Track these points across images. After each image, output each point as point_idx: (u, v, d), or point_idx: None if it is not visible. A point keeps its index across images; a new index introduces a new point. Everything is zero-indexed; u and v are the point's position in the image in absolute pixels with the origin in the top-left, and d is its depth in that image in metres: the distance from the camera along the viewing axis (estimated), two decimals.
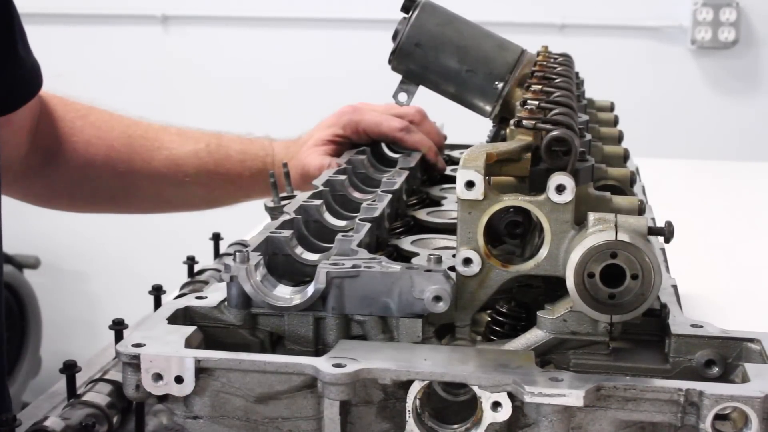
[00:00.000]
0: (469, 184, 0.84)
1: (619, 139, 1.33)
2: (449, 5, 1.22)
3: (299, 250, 0.99)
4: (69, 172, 1.49)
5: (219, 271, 1.27)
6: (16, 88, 1.32)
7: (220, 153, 1.53)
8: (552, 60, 1.21)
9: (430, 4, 1.21)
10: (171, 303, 0.91)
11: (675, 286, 0.98)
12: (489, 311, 0.97)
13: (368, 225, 1.00)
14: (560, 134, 0.86)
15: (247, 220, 1.69)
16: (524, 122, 0.92)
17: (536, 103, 0.98)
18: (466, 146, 1.29)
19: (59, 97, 1.48)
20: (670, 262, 1.13)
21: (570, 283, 0.81)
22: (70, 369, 0.97)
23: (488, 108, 1.21)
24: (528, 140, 0.91)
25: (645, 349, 0.88)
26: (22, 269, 3.78)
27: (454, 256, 0.87)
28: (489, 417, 0.77)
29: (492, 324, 0.96)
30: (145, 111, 1.67)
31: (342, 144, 1.41)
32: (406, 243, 1.07)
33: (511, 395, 0.76)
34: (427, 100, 1.30)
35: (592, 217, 0.83)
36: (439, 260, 0.86)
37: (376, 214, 1.04)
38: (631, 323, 0.85)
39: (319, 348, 0.87)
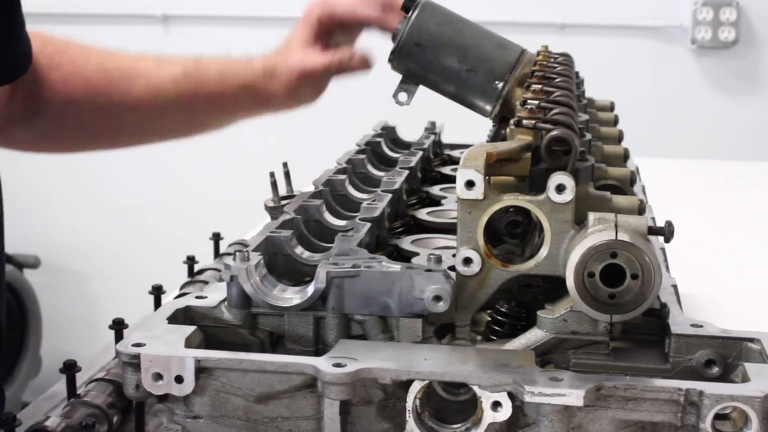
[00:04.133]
0: (469, 184, 0.84)
1: (619, 138, 1.33)
2: (449, 5, 1.22)
3: (299, 249, 0.99)
4: (50, 113, 1.44)
5: (219, 271, 1.27)
6: (18, 59, 1.31)
7: (198, 75, 1.48)
8: (552, 60, 1.21)
9: (430, 4, 1.21)
10: (171, 303, 0.91)
11: (675, 286, 0.98)
12: (489, 311, 0.97)
13: (368, 225, 1.00)
14: (560, 134, 0.86)
15: (247, 220, 1.70)
16: (524, 122, 0.92)
17: (536, 102, 0.98)
18: (466, 146, 1.29)
19: (37, 33, 1.44)
20: (670, 262, 1.13)
21: (570, 282, 0.81)
22: (70, 369, 0.97)
23: (488, 108, 1.21)
24: (528, 140, 0.91)
25: (645, 349, 0.88)
26: (22, 269, 3.78)
27: (454, 255, 0.87)
28: (489, 417, 0.77)
29: (492, 324, 0.96)
30: None
31: (326, 38, 1.37)
32: (406, 243, 1.07)
33: (511, 395, 0.76)
34: (427, 100, 1.29)
35: (592, 216, 0.83)
36: (439, 260, 0.86)
37: (376, 213, 1.04)
38: (631, 323, 0.85)
39: (319, 348, 0.87)
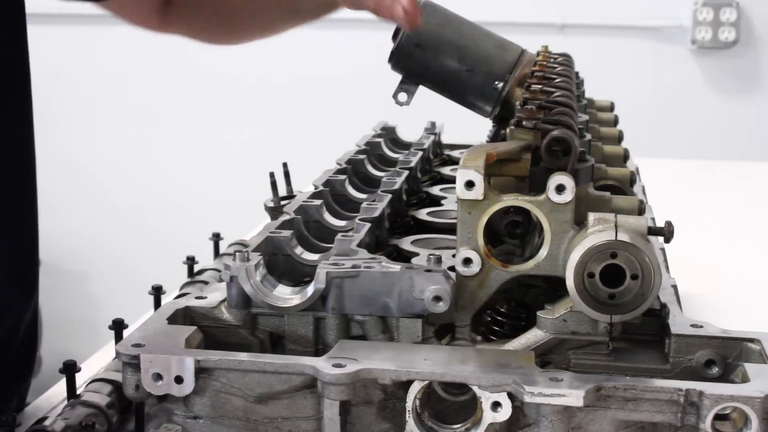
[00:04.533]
0: (469, 184, 0.84)
1: (619, 139, 1.33)
2: (449, 5, 1.22)
3: (299, 250, 0.99)
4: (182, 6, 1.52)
5: (219, 271, 1.27)
6: None
7: None
8: (552, 60, 1.21)
9: (430, 4, 1.21)
10: (171, 303, 0.91)
11: (675, 286, 0.98)
12: (489, 311, 0.97)
13: (368, 225, 1.00)
14: (560, 134, 0.86)
15: (247, 220, 1.70)
16: (524, 122, 0.92)
17: (536, 103, 0.98)
18: (466, 146, 1.29)
19: None
20: (670, 262, 1.13)
21: (570, 283, 0.81)
22: (70, 369, 0.97)
23: (488, 108, 1.21)
24: (528, 140, 0.91)
25: (645, 349, 0.88)
26: None
27: (454, 256, 0.87)
28: (489, 417, 0.77)
29: (492, 324, 0.96)
30: (146, 110, 1.67)
31: None
32: (406, 243, 1.07)
33: (511, 395, 0.76)
34: (427, 100, 1.29)
35: (592, 217, 0.83)
36: (439, 260, 0.86)
37: (376, 214, 1.04)
38: (631, 323, 0.85)
39: (319, 348, 0.87)
